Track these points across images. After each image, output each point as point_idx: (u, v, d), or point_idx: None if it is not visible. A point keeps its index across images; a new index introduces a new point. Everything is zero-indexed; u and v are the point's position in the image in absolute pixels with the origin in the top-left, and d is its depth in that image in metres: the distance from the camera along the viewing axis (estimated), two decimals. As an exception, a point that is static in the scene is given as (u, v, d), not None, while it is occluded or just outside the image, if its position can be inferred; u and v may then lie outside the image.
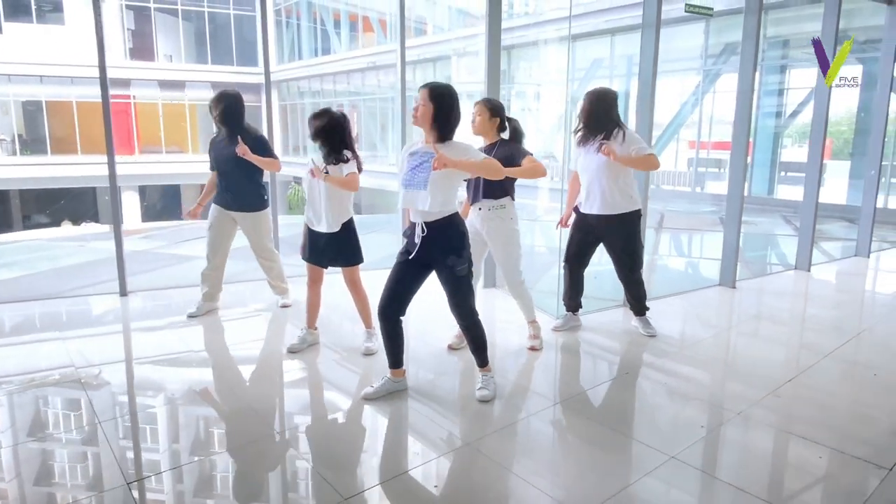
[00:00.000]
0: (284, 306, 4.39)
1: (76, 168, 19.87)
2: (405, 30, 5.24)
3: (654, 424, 2.84)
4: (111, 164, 4.49)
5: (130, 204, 21.86)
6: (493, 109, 3.47)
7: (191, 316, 4.14)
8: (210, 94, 4.02)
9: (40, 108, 20.62)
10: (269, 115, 5.01)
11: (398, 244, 3.02)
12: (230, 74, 22.55)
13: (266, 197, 4.21)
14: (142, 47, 22.62)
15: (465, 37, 17.61)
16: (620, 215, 3.71)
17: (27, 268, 6.51)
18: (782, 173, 14.30)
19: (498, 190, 3.43)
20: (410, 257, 2.88)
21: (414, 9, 19.20)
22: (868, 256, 6.42)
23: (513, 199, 3.51)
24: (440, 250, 2.85)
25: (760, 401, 2.99)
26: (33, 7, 19.99)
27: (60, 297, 4.70)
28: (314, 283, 3.63)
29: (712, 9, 4.47)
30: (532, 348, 3.68)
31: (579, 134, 3.76)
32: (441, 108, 2.75)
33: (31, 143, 20.55)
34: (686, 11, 4.40)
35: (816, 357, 3.58)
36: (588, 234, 3.84)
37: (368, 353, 3.53)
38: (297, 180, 23.83)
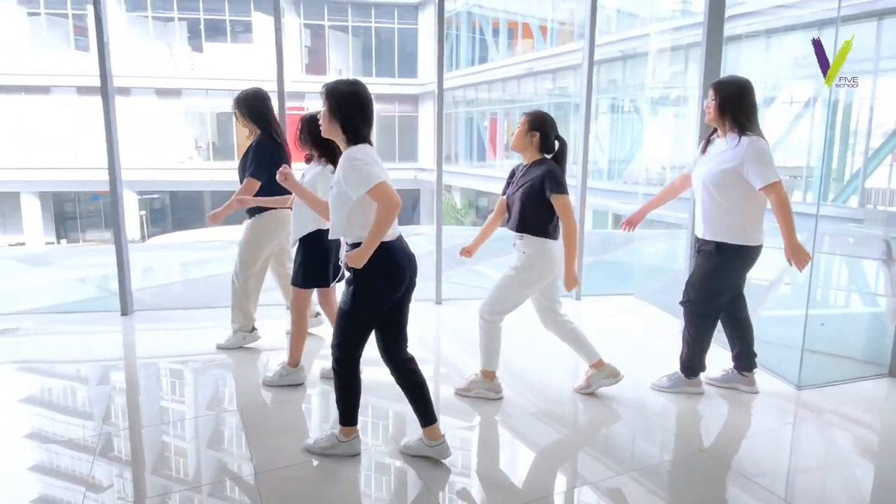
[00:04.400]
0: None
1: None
2: (594, 31, 4.93)
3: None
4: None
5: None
6: (533, 122, 2.95)
7: None
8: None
9: (230, 119, 22.99)
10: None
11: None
12: (389, 86, 23.55)
13: None
14: (315, 63, 24.44)
15: (631, 38, 16.74)
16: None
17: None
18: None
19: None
20: None
21: (577, 12, 18.70)
22: None
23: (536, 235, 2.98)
24: None
25: None
26: (228, 29, 22.46)
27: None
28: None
29: None
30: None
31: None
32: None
33: (222, 149, 23.03)
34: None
35: None
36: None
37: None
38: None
